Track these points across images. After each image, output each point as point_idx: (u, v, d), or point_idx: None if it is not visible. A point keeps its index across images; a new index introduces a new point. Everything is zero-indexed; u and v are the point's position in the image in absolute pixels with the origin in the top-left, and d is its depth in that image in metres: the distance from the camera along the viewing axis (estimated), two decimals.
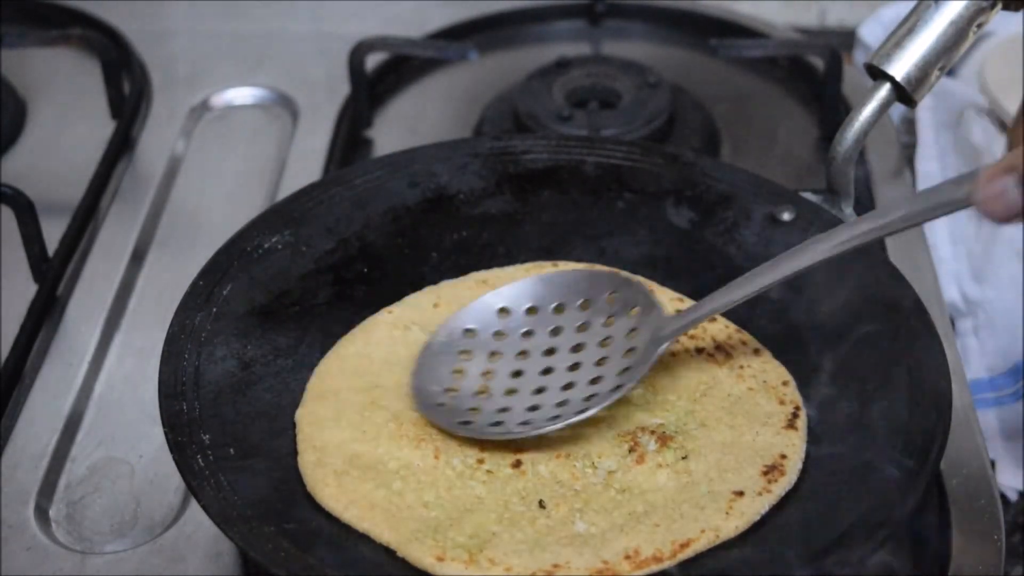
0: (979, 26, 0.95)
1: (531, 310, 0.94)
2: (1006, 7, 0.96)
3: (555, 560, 0.81)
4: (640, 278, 0.95)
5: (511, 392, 0.90)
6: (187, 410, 0.86)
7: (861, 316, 0.92)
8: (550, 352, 0.92)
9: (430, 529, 0.83)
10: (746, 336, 0.95)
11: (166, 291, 1.11)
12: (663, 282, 1.00)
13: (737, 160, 1.23)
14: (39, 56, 1.36)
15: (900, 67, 0.94)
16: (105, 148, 1.24)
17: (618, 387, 0.88)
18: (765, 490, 0.84)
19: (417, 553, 0.81)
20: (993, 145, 1.23)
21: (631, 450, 0.87)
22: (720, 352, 0.94)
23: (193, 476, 0.82)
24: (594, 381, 0.89)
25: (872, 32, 1.42)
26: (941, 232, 1.21)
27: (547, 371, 0.91)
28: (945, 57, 0.95)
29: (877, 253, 0.97)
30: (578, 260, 1.01)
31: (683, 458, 0.87)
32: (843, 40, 1.45)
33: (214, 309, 0.93)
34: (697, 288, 0.98)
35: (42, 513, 0.96)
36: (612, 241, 1.02)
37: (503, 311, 0.94)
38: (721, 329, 0.96)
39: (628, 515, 0.84)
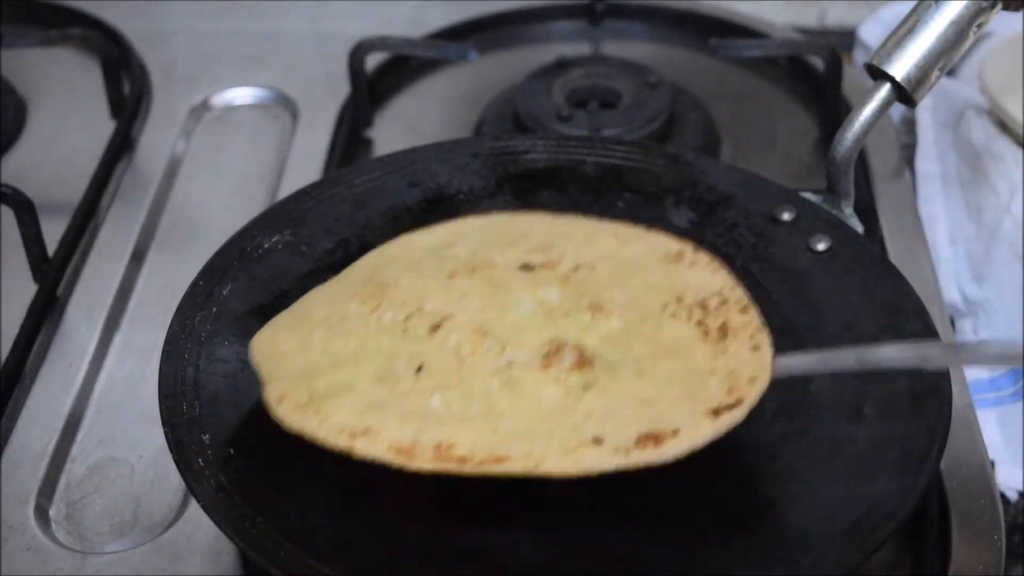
0: (979, 26, 0.95)
1: None
2: (1006, 7, 0.96)
3: (374, 426, 0.75)
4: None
5: None
6: (187, 410, 0.86)
7: (861, 316, 0.92)
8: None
9: (305, 373, 0.80)
10: (754, 317, 0.83)
11: (166, 291, 1.11)
12: None
13: (737, 160, 1.23)
14: (39, 56, 1.36)
15: (900, 67, 0.94)
16: (105, 148, 1.24)
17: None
18: (626, 451, 0.74)
19: (268, 391, 0.80)
20: (993, 145, 1.23)
21: (547, 354, 0.80)
22: (720, 331, 0.83)
23: (193, 476, 0.82)
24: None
25: (872, 32, 1.42)
26: (941, 232, 1.21)
27: None
28: (945, 57, 0.95)
29: (877, 253, 0.97)
30: None
31: (584, 388, 0.78)
32: (843, 40, 1.45)
33: (214, 309, 0.93)
34: None
35: (42, 513, 0.96)
36: None
37: None
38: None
39: (482, 409, 0.76)
